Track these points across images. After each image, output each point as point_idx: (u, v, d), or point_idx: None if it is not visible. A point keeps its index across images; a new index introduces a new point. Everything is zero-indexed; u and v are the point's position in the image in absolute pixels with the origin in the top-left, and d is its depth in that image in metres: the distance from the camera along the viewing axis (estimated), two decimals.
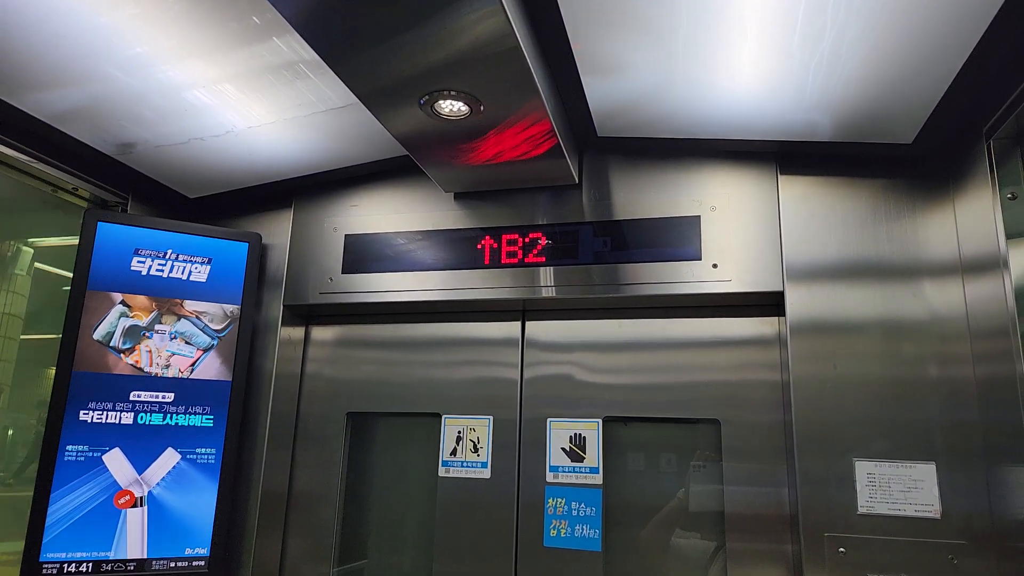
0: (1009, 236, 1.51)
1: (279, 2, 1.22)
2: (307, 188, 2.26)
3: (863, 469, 1.63)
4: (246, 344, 2.11)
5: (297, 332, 2.28)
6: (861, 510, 1.61)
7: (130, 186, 2.16)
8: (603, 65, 1.57)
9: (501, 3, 1.17)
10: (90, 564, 1.86)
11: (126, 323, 1.99)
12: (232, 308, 2.11)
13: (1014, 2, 1.19)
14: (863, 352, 1.69)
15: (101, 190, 2.09)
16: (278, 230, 2.26)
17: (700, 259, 1.85)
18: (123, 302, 1.99)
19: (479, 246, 2.04)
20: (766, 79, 1.55)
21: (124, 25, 1.46)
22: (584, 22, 1.42)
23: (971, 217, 1.63)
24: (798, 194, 1.84)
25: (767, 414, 1.85)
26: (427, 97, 1.56)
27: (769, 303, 1.89)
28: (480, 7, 1.19)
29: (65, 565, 1.83)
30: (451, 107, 1.60)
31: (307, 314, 2.30)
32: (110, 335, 1.97)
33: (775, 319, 1.91)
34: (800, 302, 1.76)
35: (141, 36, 1.50)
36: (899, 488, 1.61)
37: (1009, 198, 1.53)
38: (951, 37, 1.34)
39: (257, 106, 1.78)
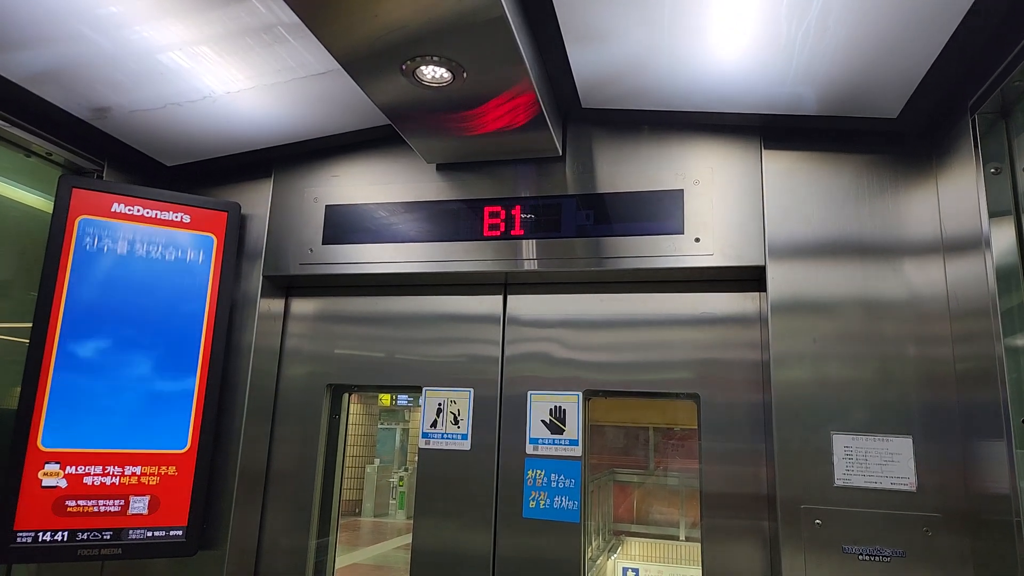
0: (992, 214, 1.50)
1: None
2: (287, 157, 2.23)
3: (840, 442, 1.64)
4: (224, 316, 2.08)
5: (277, 304, 2.25)
6: (838, 482, 1.62)
7: (106, 152, 2.12)
8: (588, 33, 1.54)
9: None
10: (65, 534, 1.84)
11: None
12: None
13: None
14: (843, 330, 1.69)
15: (76, 156, 2.04)
16: (258, 200, 2.22)
17: (683, 233, 1.84)
18: None
19: (461, 218, 2.02)
20: (752, 51, 1.53)
21: None
22: None
23: (954, 194, 1.63)
24: (782, 169, 1.83)
25: (747, 391, 1.85)
26: (409, 63, 1.53)
27: (750, 278, 1.89)
28: None
29: (40, 534, 1.81)
30: (434, 73, 1.57)
31: (287, 285, 2.28)
32: None
33: (756, 294, 1.91)
34: (781, 277, 1.76)
35: None
36: (876, 461, 1.62)
37: (993, 172, 1.53)
38: (937, 11, 1.32)
39: (235, 70, 1.74)
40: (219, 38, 1.61)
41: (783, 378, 1.70)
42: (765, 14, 1.41)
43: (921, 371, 1.63)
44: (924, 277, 1.68)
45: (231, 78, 1.77)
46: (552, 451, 1.95)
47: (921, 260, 1.69)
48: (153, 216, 2.02)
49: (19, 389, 1.86)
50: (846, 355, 1.68)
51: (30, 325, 1.88)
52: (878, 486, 1.60)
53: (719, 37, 1.51)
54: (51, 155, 2.02)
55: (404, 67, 1.54)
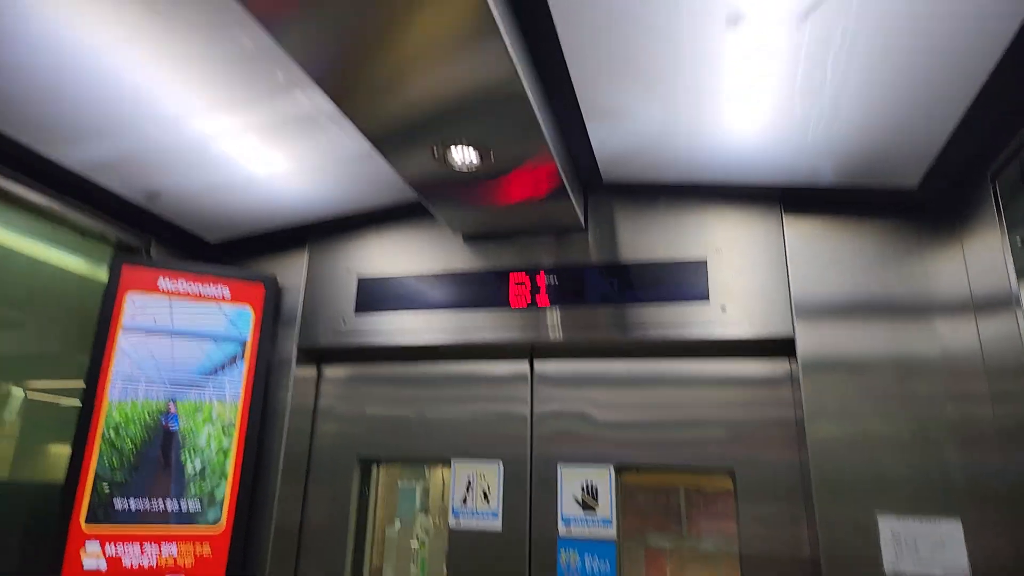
0: (1020, 274, 1.49)
1: (303, 58, 1.29)
2: (322, 230, 2.33)
3: (887, 525, 1.57)
4: (261, 383, 2.13)
5: (310, 371, 2.30)
6: (887, 567, 1.54)
7: (154, 230, 2.25)
8: (607, 112, 1.62)
9: (506, 49, 1.22)
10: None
11: None
12: None
13: (1017, 47, 1.21)
14: (877, 389, 1.67)
15: (126, 234, 2.17)
16: (294, 271, 2.31)
17: (708, 301, 1.85)
18: None
19: (488, 287, 2.07)
20: (768, 127, 1.59)
21: (159, 84, 1.56)
22: (588, 71, 1.48)
23: (980, 257, 1.63)
24: (804, 234, 1.85)
25: (784, 463, 1.80)
26: (439, 146, 1.62)
27: (780, 346, 1.87)
28: (485, 53, 1.24)
29: None
30: (462, 155, 1.66)
31: (320, 355, 2.33)
32: None
33: (786, 360, 1.89)
34: (811, 343, 1.74)
35: (174, 94, 1.60)
36: (925, 547, 1.54)
37: (1021, 244, 1.52)
38: (953, 84, 1.36)
39: (278, 155, 1.86)
40: (265, 128, 1.74)
41: (820, 449, 1.66)
42: (778, 95, 1.47)
43: (961, 433, 1.59)
44: (956, 336, 1.66)
45: (274, 162, 1.89)
46: (585, 531, 1.89)
47: (952, 319, 1.68)
48: (196, 291, 2.11)
49: (51, 449, 1.91)
50: (883, 417, 1.64)
51: (67, 384, 1.94)
52: (931, 573, 1.52)
53: (734, 115, 1.57)
54: (104, 235, 2.15)
55: (435, 150, 1.64)
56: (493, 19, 1.14)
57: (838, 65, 1.37)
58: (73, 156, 1.84)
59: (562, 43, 1.39)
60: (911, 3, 1.17)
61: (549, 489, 1.96)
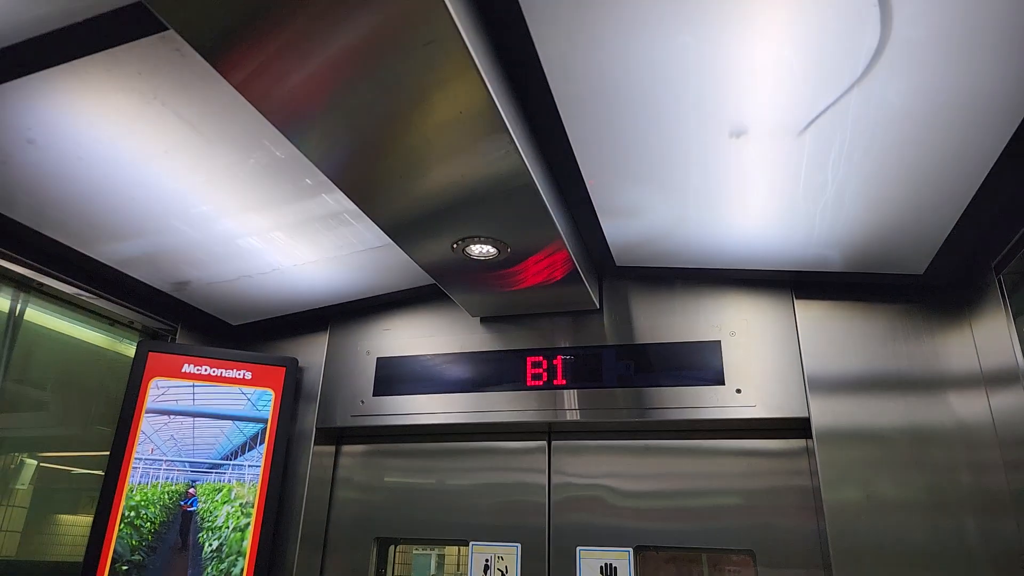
0: None
1: (320, 159, 1.33)
2: (342, 313, 2.39)
3: None
4: (280, 461, 2.16)
5: (328, 448, 2.32)
6: None
7: (180, 317, 2.32)
8: (619, 210, 1.70)
9: (514, 144, 1.25)
10: None
11: None
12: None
13: (1015, 145, 1.26)
14: (892, 459, 1.69)
15: (154, 321, 2.24)
16: (314, 351, 2.37)
17: (723, 384, 1.88)
18: None
19: (505, 368, 2.11)
20: (774, 222, 1.65)
21: (194, 189, 1.65)
22: (600, 174, 1.56)
23: (989, 338, 1.67)
24: (815, 317, 1.89)
25: (801, 529, 1.80)
26: (459, 243, 1.69)
27: (795, 427, 1.89)
28: (494, 149, 1.27)
29: None
30: (481, 250, 1.73)
31: (338, 435, 2.36)
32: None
33: (803, 440, 1.90)
34: (825, 419, 1.76)
35: (207, 197, 1.68)
36: None
37: None
38: (954, 181, 1.41)
39: (303, 248, 1.94)
40: (292, 225, 1.82)
41: (838, 516, 1.66)
42: (782, 194, 1.54)
43: (976, 497, 1.61)
44: (968, 408, 1.69)
45: (299, 254, 1.97)
46: None
47: (963, 393, 1.71)
48: (218, 374, 2.17)
49: (70, 527, 1.92)
50: (899, 485, 1.66)
51: (77, 454, 1.98)
52: None
53: (741, 213, 1.64)
54: (133, 323, 2.22)
55: (454, 246, 1.71)
56: (500, 116, 1.15)
57: (838, 169, 1.44)
58: (108, 253, 1.93)
59: (575, 150, 1.47)
60: (907, 108, 1.22)
61: (567, 570, 1.94)
